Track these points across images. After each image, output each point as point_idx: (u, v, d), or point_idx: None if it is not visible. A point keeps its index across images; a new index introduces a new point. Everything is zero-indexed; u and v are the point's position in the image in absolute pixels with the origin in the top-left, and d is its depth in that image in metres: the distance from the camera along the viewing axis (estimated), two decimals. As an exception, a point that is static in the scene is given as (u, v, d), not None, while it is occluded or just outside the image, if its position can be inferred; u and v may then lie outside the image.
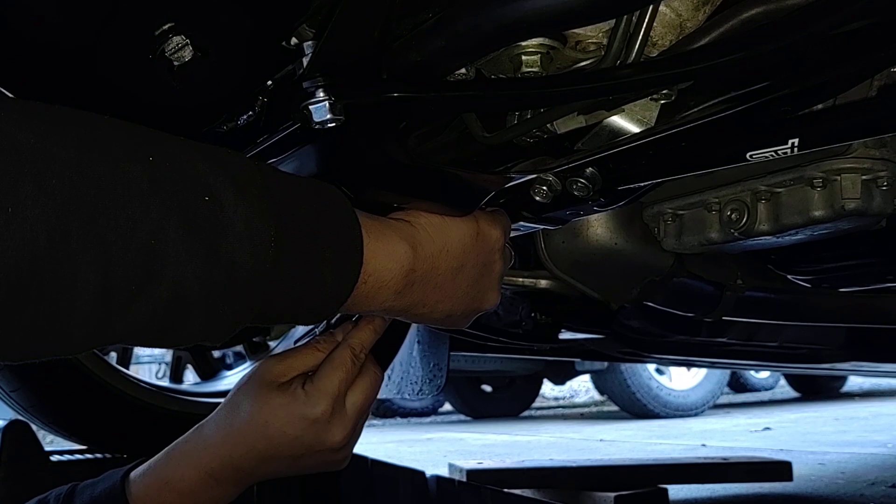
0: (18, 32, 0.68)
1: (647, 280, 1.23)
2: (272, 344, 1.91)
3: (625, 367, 5.68)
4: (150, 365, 5.80)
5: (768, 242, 1.03)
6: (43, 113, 0.49)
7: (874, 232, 1.03)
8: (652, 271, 1.22)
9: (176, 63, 0.66)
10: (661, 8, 0.69)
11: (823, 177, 0.93)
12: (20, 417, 1.52)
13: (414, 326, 1.69)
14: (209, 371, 1.94)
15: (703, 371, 5.96)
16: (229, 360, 2.02)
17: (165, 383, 1.82)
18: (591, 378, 6.46)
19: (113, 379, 1.60)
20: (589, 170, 0.81)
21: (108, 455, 1.59)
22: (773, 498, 2.60)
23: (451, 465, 2.49)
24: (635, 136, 0.74)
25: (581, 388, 9.39)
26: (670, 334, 1.47)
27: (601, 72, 0.68)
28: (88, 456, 1.58)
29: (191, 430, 0.79)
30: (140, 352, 5.14)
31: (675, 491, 2.45)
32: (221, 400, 0.79)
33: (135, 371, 1.75)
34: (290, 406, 0.74)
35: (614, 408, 6.35)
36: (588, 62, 0.72)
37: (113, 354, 1.86)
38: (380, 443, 4.94)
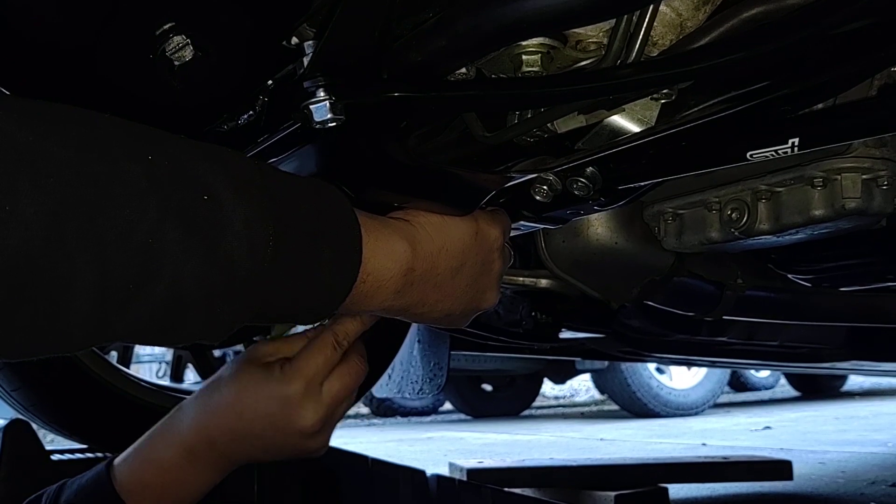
0: (19, 32, 0.68)
1: (647, 279, 1.23)
2: (272, 343, 1.91)
3: (625, 366, 5.68)
4: (150, 364, 5.81)
5: (768, 242, 1.03)
6: (42, 111, 0.49)
7: (874, 231, 1.03)
8: (652, 270, 1.22)
9: (176, 63, 0.66)
10: (662, 7, 0.70)
11: (824, 176, 0.93)
12: (21, 416, 1.52)
13: (414, 325, 1.69)
14: (209, 370, 1.94)
15: (704, 370, 5.96)
16: (229, 360, 2.03)
17: (166, 382, 1.82)
18: (592, 377, 6.46)
19: (113, 378, 1.60)
20: (589, 169, 0.81)
21: (108, 454, 1.59)
22: (774, 497, 2.60)
23: (451, 465, 2.49)
24: (636, 136, 0.74)
25: (581, 387, 9.39)
26: (671, 333, 1.47)
27: (602, 71, 0.68)
28: (89, 455, 1.58)
29: (174, 408, 0.80)
30: (140, 351, 5.14)
31: (676, 490, 2.46)
32: (222, 399, 0.79)
33: (135, 370, 1.75)
34: (264, 383, 0.74)
35: (615, 407, 6.35)
36: (588, 62, 0.72)
37: (114, 353, 1.86)
38: (380, 442, 4.94)
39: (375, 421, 7.17)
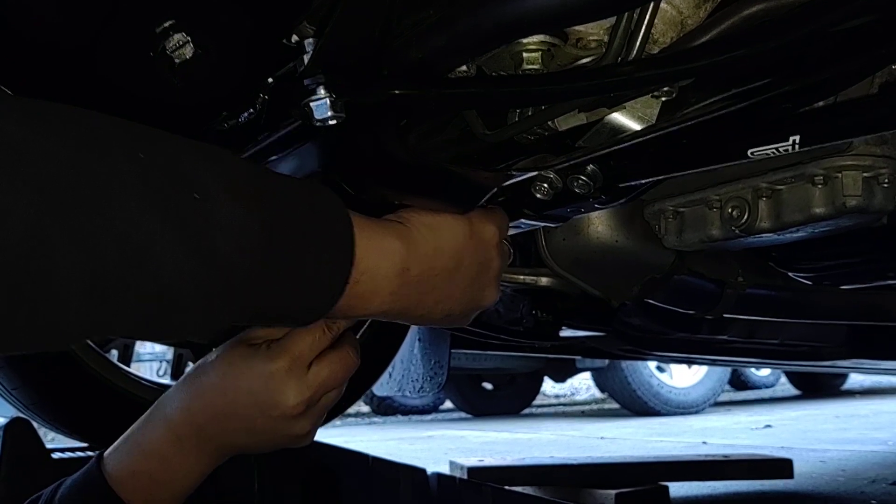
0: (19, 31, 0.68)
1: (647, 277, 1.23)
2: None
3: (626, 364, 5.68)
4: (151, 362, 5.81)
5: (769, 240, 1.03)
6: (42, 111, 0.50)
7: (875, 229, 1.03)
8: (653, 269, 1.22)
9: (177, 60, 0.66)
10: (663, 5, 0.69)
11: (824, 174, 0.93)
12: (21, 415, 1.52)
13: (415, 324, 1.69)
14: (210, 369, 1.94)
15: (704, 369, 5.96)
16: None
17: (167, 381, 1.82)
18: (592, 376, 6.46)
19: (114, 376, 1.60)
20: (590, 167, 0.81)
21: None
22: (774, 495, 2.60)
23: (451, 463, 2.50)
24: (636, 134, 0.74)
25: (582, 385, 9.40)
26: (671, 332, 1.47)
27: (602, 69, 0.68)
28: (90, 453, 1.58)
29: (162, 395, 0.79)
30: (141, 349, 5.14)
31: (676, 488, 2.46)
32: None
33: (136, 368, 1.75)
34: (249, 359, 0.73)
35: (615, 405, 6.35)
36: (589, 59, 0.72)
37: (114, 352, 1.86)
38: (381, 440, 4.94)
39: (376, 419, 7.17)
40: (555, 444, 4.46)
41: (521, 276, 1.32)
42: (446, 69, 0.69)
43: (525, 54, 0.69)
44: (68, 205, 0.47)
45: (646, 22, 0.67)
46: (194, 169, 0.53)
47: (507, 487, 1.88)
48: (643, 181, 0.86)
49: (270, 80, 0.72)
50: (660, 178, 0.86)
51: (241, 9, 0.69)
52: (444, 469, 2.28)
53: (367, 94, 0.65)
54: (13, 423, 1.39)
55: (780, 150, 0.73)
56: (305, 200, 0.60)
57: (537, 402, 7.66)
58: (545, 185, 0.83)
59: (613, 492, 2.08)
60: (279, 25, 0.69)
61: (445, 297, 0.71)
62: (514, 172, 0.79)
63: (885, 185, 0.91)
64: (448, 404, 7.36)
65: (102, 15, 0.67)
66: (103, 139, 0.51)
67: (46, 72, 0.72)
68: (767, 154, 0.74)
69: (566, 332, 1.52)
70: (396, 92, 0.65)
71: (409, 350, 1.73)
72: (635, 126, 0.75)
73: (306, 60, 0.65)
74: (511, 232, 0.92)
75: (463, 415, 7.01)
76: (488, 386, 6.91)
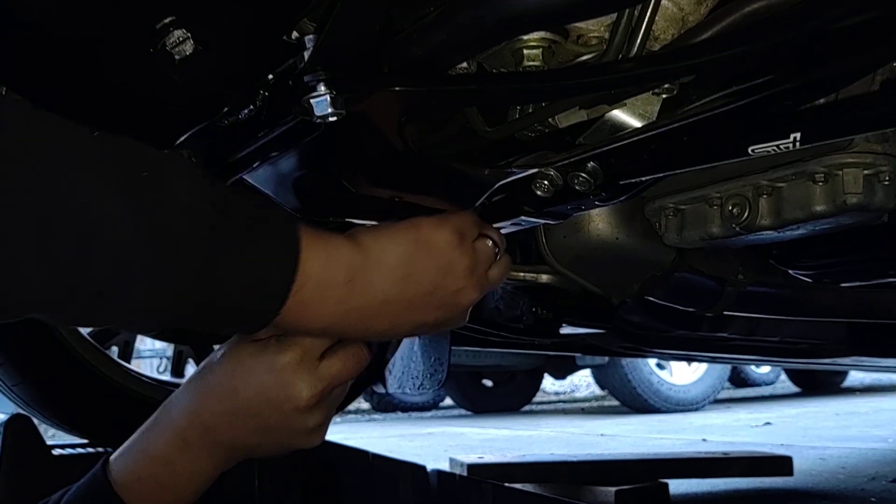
0: (20, 27, 0.68)
1: (648, 275, 1.23)
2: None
3: (625, 361, 5.68)
4: (151, 359, 5.82)
5: (770, 237, 1.03)
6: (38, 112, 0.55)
7: (876, 227, 1.02)
8: (653, 266, 1.22)
9: (177, 57, 0.66)
10: (663, 2, 0.69)
11: (825, 171, 0.92)
12: (22, 412, 1.52)
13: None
14: (210, 365, 1.94)
15: (704, 366, 5.96)
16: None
17: (167, 377, 1.82)
18: (592, 373, 6.46)
19: (114, 373, 1.60)
20: (590, 164, 0.81)
21: (109, 449, 1.59)
22: (774, 492, 2.60)
23: (451, 460, 2.50)
24: (637, 131, 0.74)
25: (582, 382, 9.40)
26: (671, 329, 1.47)
27: (603, 66, 0.68)
28: (90, 450, 1.58)
29: (167, 398, 0.78)
30: (141, 346, 5.14)
31: (676, 485, 2.46)
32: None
33: (136, 365, 1.75)
34: (259, 354, 0.72)
35: (615, 402, 6.35)
36: (590, 56, 0.71)
37: (114, 349, 1.87)
38: (381, 437, 4.94)
39: (376, 416, 7.18)
40: (555, 440, 4.46)
41: (522, 274, 1.32)
42: (447, 66, 0.69)
43: (526, 51, 0.69)
44: (25, 172, 0.51)
45: (646, 19, 0.66)
46: (149, 152, 0.58)
47: (507, 484, 1.88)
48: (644, 178, 0.86)
49: (271, 76, 0.71)
50: (660, 175, 0.86)
51: (241, 5, 0.69)
52: (445, 466, 2.29)
53: (367, 91, 0.65)
54: (13, 419, 1.39)
55: (781, 147, 0.73)
56: (254, 197, 0.63)
57: (537, 399, 7.66)
58: (546, 182, 0.83)
59: (613, 489, 2.08)
60: (279, 22, 0.69)
61: (405, 308, 0.70)
62: (514, 169, 0.78)
63: (886, 183, 0.91)
64: (448, 401, 7.36)
65: (104, 10, 0.67)
66: (62, 122, 0.55)
67: (48, 67, 0.72)
68: (768, 151, 0.74)
69: (566, 330, 1.52)
70: (397, 88, 0.65)
71: (409, 347, 1.73)
72: (636, 123, 0.75)
73: (306, 57, 0.65)
74: (511, 229, 0.92)
75: (463, 412, 7.01)
76: (488, 383, 6.91)
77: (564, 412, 7.17)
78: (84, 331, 1.60)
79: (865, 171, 0.91)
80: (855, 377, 7.83)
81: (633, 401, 5.90)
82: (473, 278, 0.73)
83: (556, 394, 9.38)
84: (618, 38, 0.67)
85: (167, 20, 0.66)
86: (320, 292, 0.64)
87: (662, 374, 5.91)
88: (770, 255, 1.23)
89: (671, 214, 1.08)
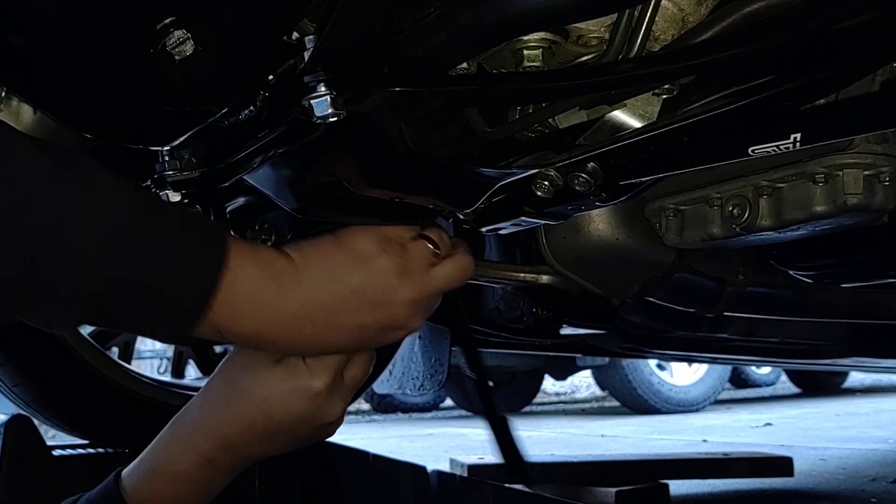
0: (20, 27, 0.68)
1: (648, 275, 1.23)
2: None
3: (626, 362, 5.68)
4: (151, 360, 5.82)
5: (770, 238, 1.02)
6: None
7: (876, 227, 1.02)
8: (653, 267, 1.22)
9: (177, 57, 0.66)
10: (664, 2, 0.69)
11: (825, 172, 0.92)
12: (22, 412, 1.52)
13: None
14: (211, 366, 1.94)
15: (705, 367, 5.96)
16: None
17: (167, 378, 1.82)
18: (593, 373, 6.46)
19: (114, 374, 1.60)
20: (590, 165, 0.81)
21: (109, 450, 1.59)
22: (775, 493, 2.60)
23: (452, 461, 2.50)
24: (637, 131, 0.74)
25: (582, 383, 9.39)
26: (671, 330, 1.47)
27: (603, 66, 0.68)
28: (90, 450, 1.58)
29: (178, 414, 0.78)
30: (142, 346, 5.14)
31: (677, 486, 2.46)
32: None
33: (137, 366, 1.76)
34: (292, 380, 0.72)
35: (615, 403, 6.35)
36: (590, 57, 0.72)
37: (115, 349, 1.87)
38: (381, 438, 4.94)
39: (376, 417, 7.17)
40: (555, 441, 4.46)
41: (522, 274, 1.32)
42: (447, 66, 0.69)
43: (526, 52, 0.69)
44: None
45: (647, 19, 0.66)
46: (85, 158, 0.60)
47: (507, 485, 1.88)
48: (644, 179, 0.86)
49: (271, 77, 0.71)
50: (660, 175, 0.86)
51: (242, 6, 0.69)
52: (445, 467, 2.28)
53: (367, 91, 0.65)
54: (14, 420, 1.39)
55: (781, 147, 0.73)
56: (185, 206, 0.66)
57: (538, 399, 7.66)
58: (546, 182, 0.83)
59: (614, 489, 2.08)
60: (279, 22, 0.69)
61: (338, 308, 0.69)
62: (514, 170, 0.78)
63: (886, 184, 0.91)
64: (448, 402, 7.36)
65: (104, 11, 0.67)
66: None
67: (47, 68, 0.72)
68: (768, 152, 0.74)
69: (566, 330, 1.52)
70: (397, 89, 0.65)
71: (410, 348, 1.73)
72: (636, 124, 0.75)
73: (307, 57, 0.65)
74: (512, 229, 0.92)
75: (463, 412, 7.01)
76: (489, 384, 6.90)
77: (565, 413, 7.17)
78: (84, 331, 1.60)
79: (866, 172, 0.91)
80: (855, 378, 7.83)
81: (634, 402, 5.90)
82: (407, 277, 0.72)
83: (557, 394, 9.37)
84: (618, 39, 0.67)
85: (167, 21, 0.66)
86: (251, 293, 0.65)
87: (663, 374, 5.90)
88: (770, 256, 1.23)
89: (671, 215, 1.08)
